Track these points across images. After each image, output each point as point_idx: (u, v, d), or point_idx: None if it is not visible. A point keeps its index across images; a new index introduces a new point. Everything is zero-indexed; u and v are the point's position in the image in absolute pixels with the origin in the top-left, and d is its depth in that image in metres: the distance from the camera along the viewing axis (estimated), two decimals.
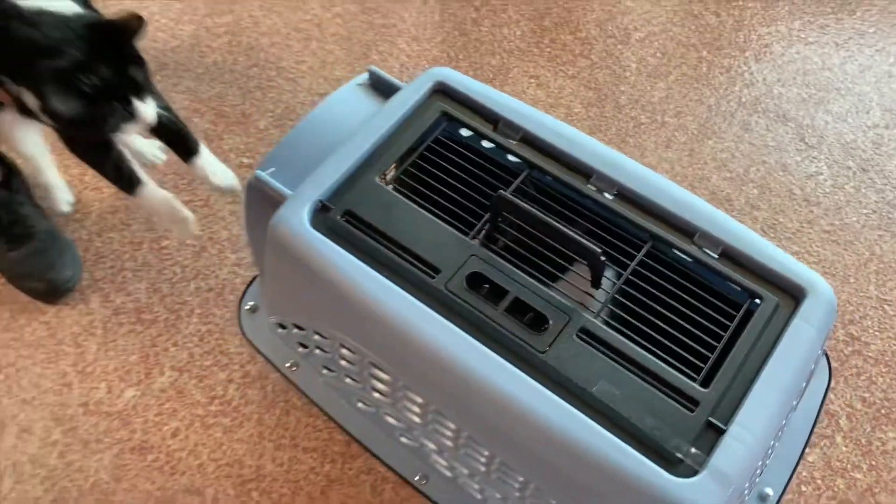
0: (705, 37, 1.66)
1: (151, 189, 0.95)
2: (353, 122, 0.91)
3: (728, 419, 0.71)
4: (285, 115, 1.48)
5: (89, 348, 1.20)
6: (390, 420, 0.89)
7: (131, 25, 0.83)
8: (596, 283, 0.77)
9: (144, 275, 1.27)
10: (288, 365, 0.96)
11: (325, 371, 0.93)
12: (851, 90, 1.58)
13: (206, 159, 0.99)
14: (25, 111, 0.86)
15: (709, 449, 0.69)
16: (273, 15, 1.65)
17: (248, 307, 1.01)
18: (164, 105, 0.92)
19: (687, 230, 0.82)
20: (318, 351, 0.89)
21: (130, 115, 0.84)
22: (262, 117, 1.47)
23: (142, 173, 0.95)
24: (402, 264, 0.78)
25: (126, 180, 0.93)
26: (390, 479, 1.08)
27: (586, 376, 0.72)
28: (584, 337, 0.74)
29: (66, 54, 0.79)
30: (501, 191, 0.78)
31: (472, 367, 0.72)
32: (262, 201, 0.87)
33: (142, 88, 0.85)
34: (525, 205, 0.76)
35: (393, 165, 0.86)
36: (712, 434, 0.70)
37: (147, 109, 0.85)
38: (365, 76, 0.96)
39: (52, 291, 1.22)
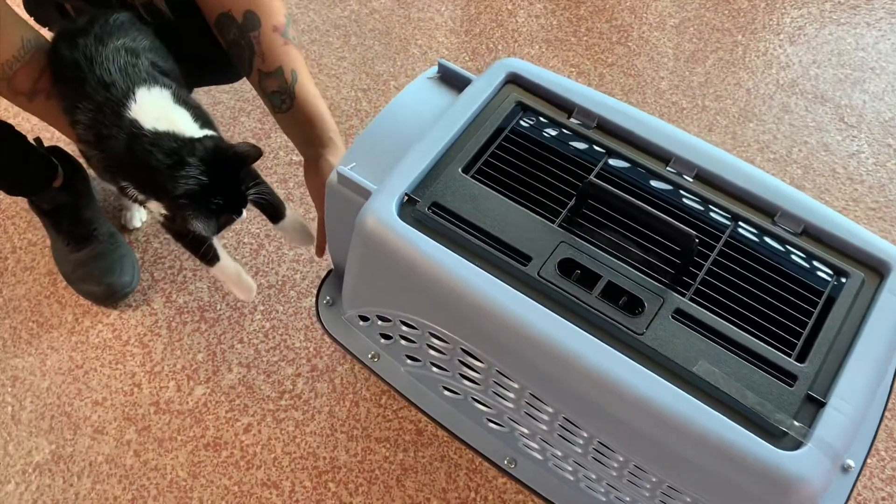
0: (739, 21, 1.68)
1: (225, 263, 1.06)
2: (427, 116, 0.92)
3: (826, 392, 0.72)
4: (331, 111, 1.49)
5: (156, 348, 1.21)
6: (479, 406, 0.90)
7: (251, 156, 0.91)
8: (686, 265, 0.79)
9: (204, 274, 1.29)
10: (370, 356, 0.97)
11: (409, 361, 0.94)
12: (886, 69, 1.60)
13: (289, 222, 1.10)
14: (134, 198, 0.95)
15: (811, 421, 0.70)
16: (310, 12, 1.66)
17: (325, 301, 1.02)
18: (268, 190, 1.03)
19: (768, 210, 0.83)
20: (403, 342, 0.91)
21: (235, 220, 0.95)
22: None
23: (220, 249, 1.06)
24: (493, 253, 0.79)
25: (209, 258, 1.04)
26: (463, 465, 1.09)
27: (686, 356, 0.74)
28: (680, 318, 0.76)
29: (199, 178, 0.86)
30: (591, 178, 0.79)
31: (573, 349, 0.74)
32: (344, 197, 0.89)
33: (247, 202, 0.95)
34: (616, 191, 0.78)
35: (473, 156, 0.87)
36: (813, 407, 0.71)
37: (246, 214, 0.96)
38: (434, 69, 0.97)
39: (109, 295, 1.24)
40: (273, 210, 1.06)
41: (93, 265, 1.24)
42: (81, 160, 1.27)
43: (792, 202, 0.83)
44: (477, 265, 0.79)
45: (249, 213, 1.17)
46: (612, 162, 0.87)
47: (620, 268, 0.79)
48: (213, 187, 0.88)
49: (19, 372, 1.19)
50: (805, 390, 0.72)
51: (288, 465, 1.11)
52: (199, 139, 0.89)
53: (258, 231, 1.32)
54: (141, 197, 0.91)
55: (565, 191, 0.85)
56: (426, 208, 0.83)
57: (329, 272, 1.06)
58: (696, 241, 0.76)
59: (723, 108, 1.52)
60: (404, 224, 0.81)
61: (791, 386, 0.72)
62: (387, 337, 0.94)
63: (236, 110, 1.48)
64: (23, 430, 1.14)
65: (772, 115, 1.51)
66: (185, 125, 0.90)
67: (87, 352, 1.21)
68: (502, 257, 0.79)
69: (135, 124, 0.87)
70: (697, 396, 0.72)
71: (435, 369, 0.91)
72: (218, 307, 1.25)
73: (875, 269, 0.80)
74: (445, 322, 0.83)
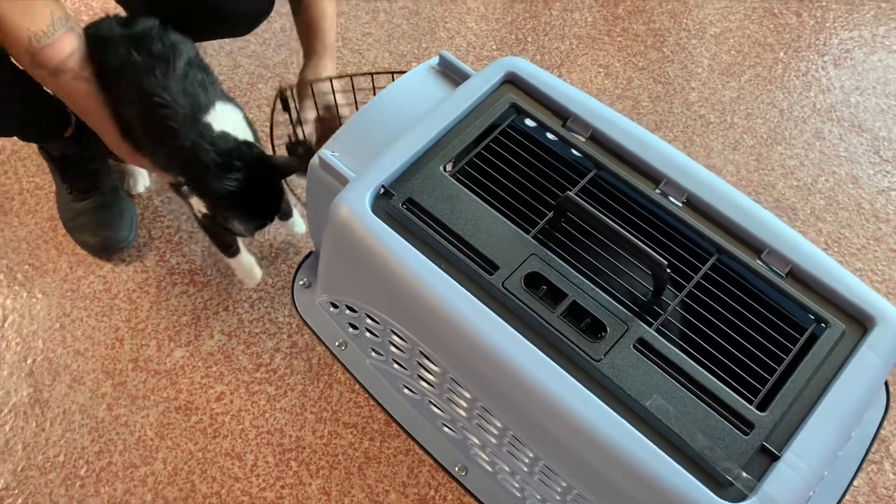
0: (783, 37, 1.60)
1: (244, 256, 1.16)
2: (420, 108, 0.89)
3: (783, 445, 0.69)
4: (348, 87, 1.47)
5: (142, 305, 1.22)
6: (435, 409, 0.89)
7: (292, 168, 0.98)
8: (658, 294, 0.76)
9: (200, 237, 1.29)
10: (337, 344, 0.96)
11: (373, 354, 0.93)
12: None
13: (293, 221, 1.22)
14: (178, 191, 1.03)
15: (760, 474, 0.67)
16: None
17: (301, 282, 1.01)
18: (285, 196, 1.08)
19: (755, 245, 0.79)
20: (368, 334, 0.90)
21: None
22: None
23: (240, 242, 1.15)
24: (461, 258, 0.77)
25: (232, 250, 1.14)
26: (427, 461, 1.08)
27: (640, 389, 0.71)
28: (642, 348, 0.73)
29: (243, 182, 0.93)
30: (568, 192, 0.76)
31: (525, 369, 0.72)
32: (324, 182, 0.87)
33: (281, 208, 1.03)
34: (592, 209, 0.75)
35: (458, 155, 0.84)
36: (766, 459, 0.68)
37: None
38: (435, 60, 0.95)
39: (104, 248, 1.25)
40: (283, 211, 1.15)
41: (92, 216, 1.25)
42: None
43: (782, 241, 0.79)
44: (442, 268, 0.76)
45: None
46: (600, 177, 0.84)
47: (589, 289, 0.76)
48: (253, 191, 0.95)
49: (9, 312, 1.21)
50: (760, 441, 0.69)
51: (254, 438, 1.11)
52: (247, 143, 0.96)
53: None
54: (191, 193, 0.98)
55: (546, 201, 0.82)
56: (400, 203, 0.81)
57: (310, 253, 1.05)
58: (668, 270, 0.73)
59: (752, 126, 1.46)
60: (374, 217, 0.79)
61: (746, 434, 0.69)
62: (354, 327, 0.93)
63: (255, 76, 1.48)
64: (4, 370, 1.16)
65: (802, 139, 1.45)
66: (239, 129, 0.97)
67: (76, 301, 1.23)
68: (469, 263, 0.77)
69: (208, 128, 0.94)
70: (646, 433, 0.69)
71: (396, 366, 0.90)
72: (209, 272, 1.25)
73: (859, 320, 0.76)
74: (404, 321, 0.81)
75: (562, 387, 0.71)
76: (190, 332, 1.20)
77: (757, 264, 0.78)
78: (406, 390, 0.92)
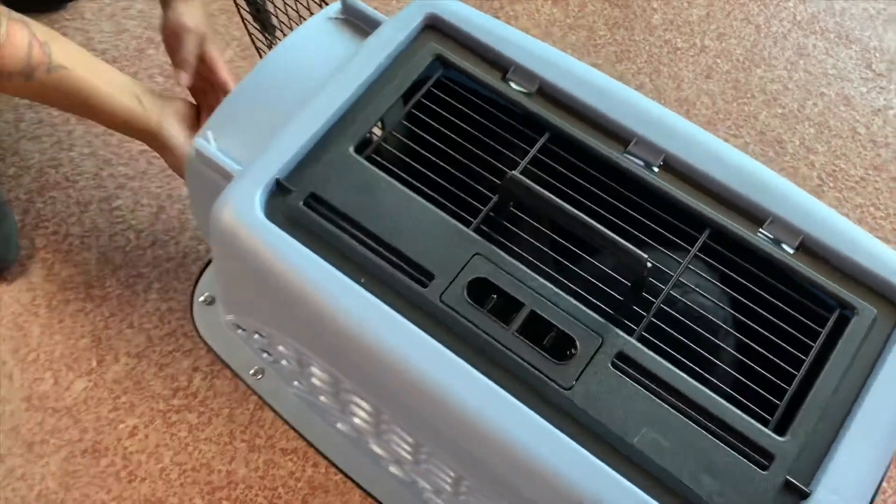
0: None
1: None
2: (320, 71, 0.71)
3: (811, 478, 0.55)
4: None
5: (32, 332, 1.04)
6: (376, 449, 0.73)
7: None
8: (637, 292, 0.60)
9: (93, 242, 1.10)
10: (252, 372, 0.80)
11: (296, 384, 0.77)
12: None
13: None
14: None
15: None
16: None
17: (202, 298, 0.84)
18: None
19: (754, 214, 0.64)
20: (284, 363, 0.73)
21: None
22: (227, 46, 1.26)
23: None
24: (384, 268, 0.61)
25: None
26: None
27: (625, 421, 0.56)
28: (622, 365, 0.58)
29: None
30: (515, 173, 0.59)
31: (475, 409, 0.56)
32: (205, 177, 0.69)
33: None
34: (543, 193, 0.58)
35: (370, 131, 0.67)
36: (792, 499, 0.54)
37: None
38: (336, 6, 0.76)
39: None
40: None
41: None
42: None
43: (788, 205, 0.63)
44: (360, 283, 0.60)
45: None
46: (554, 142, 0.67)
47: (549, 293, 0.60)
48: None
49: None
50: (783, 475, 0.54)
51: (177, 478, 0.96)
52: None
53: (158, 191, 1.13)
54: None
55: (489, 181, 0.65)
56: (301, 201, 0.63)
57: (210, 260, 0.87)
58: (650, 265, 0.57)
59: (725, 49, 1.29)
60: (267, 223, 0.62)
61: (765, 468, 0.54)
62: (269, 353, 0.77)
63: (144, 41, 1.26)
64: None
65: (784, 58, 1.28)
66: None
67: None
68: (395, 273, 0.60)
69: None
70: (636, 479, 0.54)
71: (323, 398, 0.74)
72: (107, 283, 1.07)
73: (893, 301, 0.61)
74: (320, 353, 0.65)
75: (523, 427, 0.55)
76: (91, 358, 1.02)
77: (759, 239, 0.62)
78: (340, 426, 0.76)
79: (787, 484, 0.54)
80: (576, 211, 0.58)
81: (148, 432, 0.98)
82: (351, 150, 0.65)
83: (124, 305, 1.06)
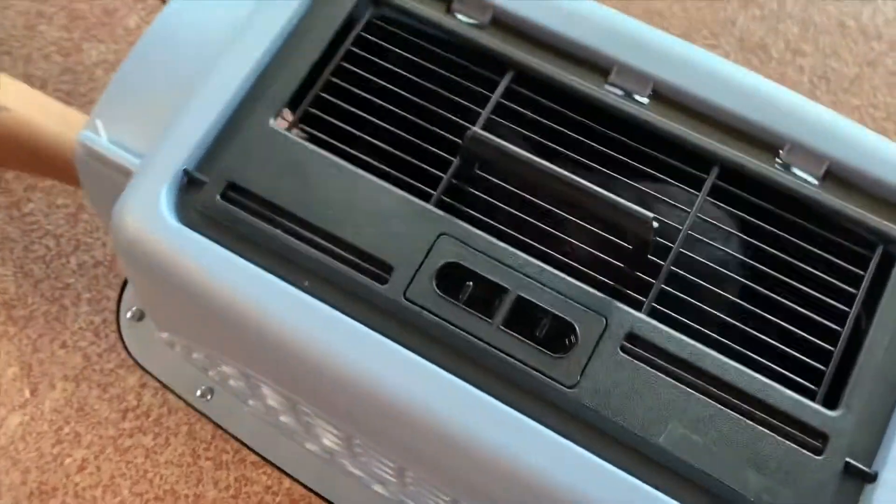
0: None
1: None
2: (221, 30, 0.58)
3: (874, 455, 0.46)
4: None
5: None
6: (354, 471, 0.64)
7: None
8: (640, 265, 0.50)
9: (8, 255, 0.97)
10: (199, 393, 0.69)
11: (251, 403, 0.66)
12: None
13: None
14: None
15: None
16: None
17: (130, 314, 0.72)
18: None
19: (768, 141, 0.53)
20: (232, 382, 0.62)
21: None
22: (130, 12, 1.11)
23: None
24: (331, 265, 0.50)
25: None
26: None
27: (646, 417, 0.46)
28: (634, 348, 0.48)
29: None
30: (474, 130, 0.48)
31: (464, 425, 0.46)
32: (100, 176, 0.57)
33: None
34: (515, 150, 0.47)
35: (294, 94, 0.55)
36: (855, 485, 0.45)
37: None
38: None
39: None
40: None
41: None
42: None
43: (807, 126, 0.53)
44: (303, 287, 0.49)
45: None
46: (519, 83, 0.55)
47: (536, 271, 0.49)
48: None
49: None
50: (842, 458, 0.45)
51: None
52: None
53: (74, 188, 0.99)
54: None
55: (448, 141, 0.54)
56: (217, 194, 0.52)
57: None
58: (655, 227, 0.46)
59: None
60: (179, 226, 0.51)
61: (819, 452, 0.46)
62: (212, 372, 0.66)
63: (33, 15, 1.11)
64: None
65: None
66: None
67: None
68: (345, 271, 0.49)
69: None
70: (667, 487, 0.45)
71: (283, 419, 0.63)
72: (29, 300, 0.95)
73: None
74: (268, 376, 0.54)
75: (527, 443, 0.46)
76: (23, 389, 0.91)
77: (776, 171, 0.52)
78: (309, 445, 0.66)
79: (848, 467, 0.45)
80: (557, 169, 0.47)
81: (100, 463, 0.87)
82: (271, 122, 0.53)
83: (53, 323, 0.93)
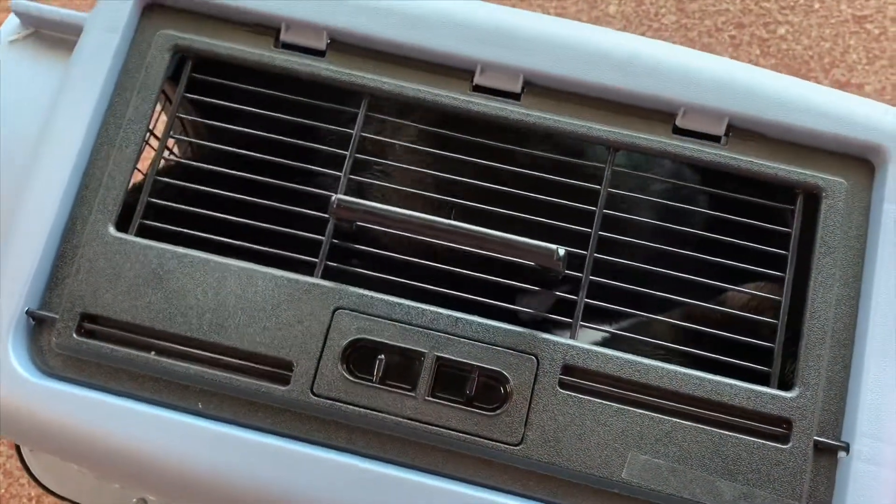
0: None
1: None
2: (26, 126, 0.51)
3: (840, 427, 0.44)
4: None
5: None
6: None
7: None
8: (555, 283, 0.46)
9: None
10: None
11: None
12: None
13: None
14: None
15: (830, 492, 0.43)
16: None
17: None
18: None
19: (663, 110, 0.49)
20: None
21: None
22: None
23: None
24: (222, 378, 0.45)
25: None
26: None
27: (603, 455, 0.44)
28: (573, 381, 0.45)
29: None
30: (338, 198, 0.43)
31: None
32: None
33: None
34: (389, 210, 0.42)
35: (130, 191, 0.48)
36: (829, 461, 0.44)
37: None
38: (11, 22, 0.54)
39: None
40: None
41: None
42: None
43: (698, 85, 0.49)
44: (196, 411, 0.44)
45: None
46: (376, 107, 0.50)
47: (449, 323, 0.46)
48: None
49: None
50: (811, 439, 0.44)
51: None
52: None
53: None
54: None
55: (318, 198, 0.48)
56: (72, 331, 0.46)
57: None
58: (563, 252, 0.43)
59: None
60: (38, 378, 0.45)
61: (786, 440, 0.44)
62: None
63: None
64: None
65: None
66: None
67: None
68: (240, 381, 0.45)
69: None
70: None
71: None
72: None
73: (859, 157, 0.49)
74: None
75: None
76: None
77: (675, 144, 0.48)
78: None
79: (818, 447, 0.44)
80: (441, 221, 0.42)
81: None
82: (111, 228, 0.47)
83: None
